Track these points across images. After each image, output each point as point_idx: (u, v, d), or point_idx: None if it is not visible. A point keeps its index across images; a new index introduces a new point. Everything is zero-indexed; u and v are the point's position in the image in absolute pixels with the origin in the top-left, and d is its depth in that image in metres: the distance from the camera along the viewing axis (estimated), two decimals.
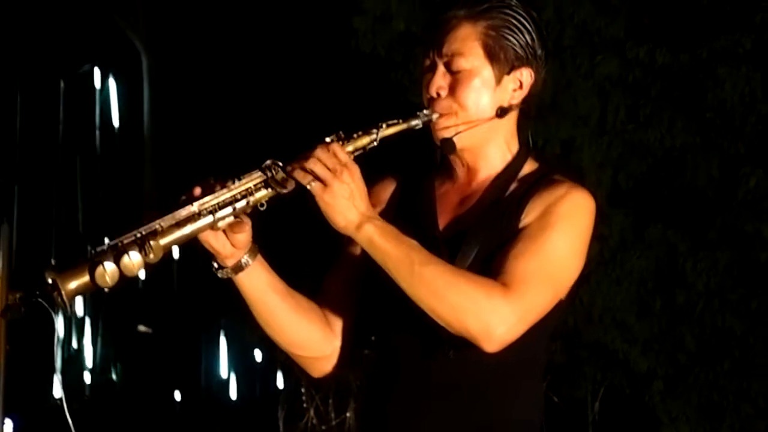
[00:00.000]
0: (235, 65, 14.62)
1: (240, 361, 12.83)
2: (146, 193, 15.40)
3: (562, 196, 2.48)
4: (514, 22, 2.54)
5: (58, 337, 2.44)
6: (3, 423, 4.88)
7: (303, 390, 8.92)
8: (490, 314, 2.34)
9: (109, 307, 13.84)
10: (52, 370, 13.10)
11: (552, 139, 7.26)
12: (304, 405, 8.95)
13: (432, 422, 2.50)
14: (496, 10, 2.54)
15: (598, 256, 7.31)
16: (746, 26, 6.93)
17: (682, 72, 7.12)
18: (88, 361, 13.47)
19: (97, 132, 14.71)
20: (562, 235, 2.45)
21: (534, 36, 2.57)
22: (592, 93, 7.33)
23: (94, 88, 14.64)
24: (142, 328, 13.81)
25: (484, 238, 2.48)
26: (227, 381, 13.08)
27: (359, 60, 8.18)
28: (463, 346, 2.40)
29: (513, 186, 2.56)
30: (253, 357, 12.44)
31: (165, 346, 13.67)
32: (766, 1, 6.89)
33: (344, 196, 2.33)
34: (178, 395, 12.95)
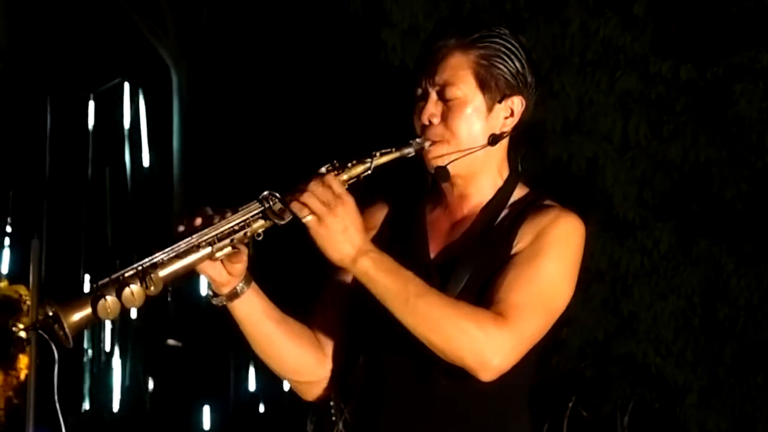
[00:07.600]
0: (263, 81, 14.66)
1: (269, 374, 12.86)
2: (175, 206, 15.46)
3: (552, 221, 2.47)
4: (505, 51, 2.54)
5: (58, 370, 2.43)
6: None
7: (332, 403, 8.92)
8: (485, 345, 2.33)
9: (138, 321, 13.90)
10: (82, 384, 13.15)
11: (576, 155, 7.23)
12: (333, 418, 8.96)
13: None
14: (487, 39, 2.52)
15: (639, 269, 7.28)
16: (763, 42, 6.86)
17: (706, 87, 7.07)
18: (117, 376, 13.53)
19: (127, 146, 14.79)
20: (553, 261, 2.45)
21: (524, 64, 2.56)
22: (613, 109, 7.28)
23: (123, 102, 14.74)
24: (171, 341, 13.85)
25: (476, 265, 2.47)
26: (256, 394, 13.11)
27: (389, 73, 8.14)
28: (452, 372, 2.39)
29: (504, 212, 2.55)
30: None
31: (194, 359, 13.71)
32: None
33: (339, 231, 2.31)
34: (207, 408, 12.99)
